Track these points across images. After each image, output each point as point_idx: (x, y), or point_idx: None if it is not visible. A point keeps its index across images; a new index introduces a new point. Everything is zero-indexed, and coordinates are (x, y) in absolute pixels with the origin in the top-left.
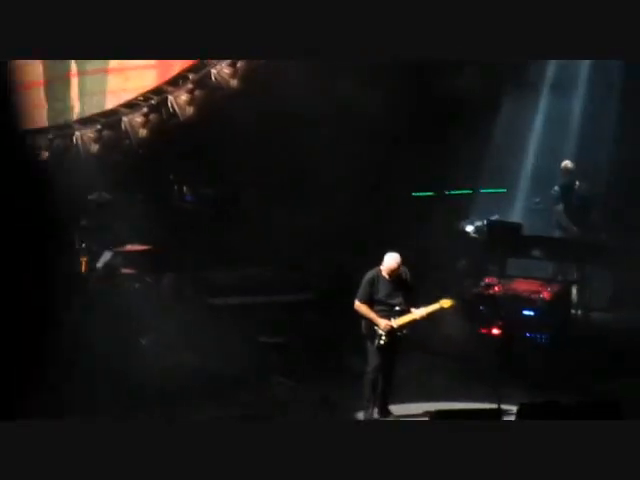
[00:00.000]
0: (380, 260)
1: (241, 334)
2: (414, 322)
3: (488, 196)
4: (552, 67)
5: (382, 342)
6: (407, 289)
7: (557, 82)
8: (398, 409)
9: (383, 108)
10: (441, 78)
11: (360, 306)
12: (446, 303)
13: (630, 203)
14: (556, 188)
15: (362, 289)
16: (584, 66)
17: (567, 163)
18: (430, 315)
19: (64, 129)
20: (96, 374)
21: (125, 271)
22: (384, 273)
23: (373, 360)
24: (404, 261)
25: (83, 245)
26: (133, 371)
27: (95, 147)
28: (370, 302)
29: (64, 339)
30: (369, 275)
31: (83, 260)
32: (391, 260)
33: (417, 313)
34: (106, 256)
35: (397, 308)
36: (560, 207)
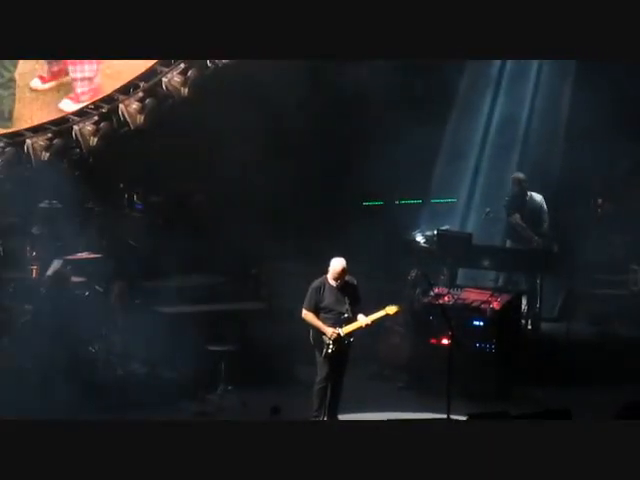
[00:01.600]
0: (327, 269)
1: (191, 343)
2: (361, 329)
3: (438, 206)
4: (498, 68)
5: (330, 351)
6: (354, 297)
7: (505, 83)
8: (347, 419)
9: (333, 114)
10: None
11: (307, 314)
12: (391, 309)
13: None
14: (509, 199)
15: (308, 297)
16: (532, 66)
17: (518, 174)
18: (376, 321)
19: (15, 137)
20: (46, 382)
21: (75, 279)
22: (330, 280)
23: (322, 370)
24: (353, 270)
25: (33, 253)
26: (83, 379)
27: (46, 155)
28: (317, 310)
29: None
30: (315, 283)
31: (33, 268)
32: (337, 264)
33: (363, 320)
34: (56, 264)
35: (344, 316)
36: (517, 217)
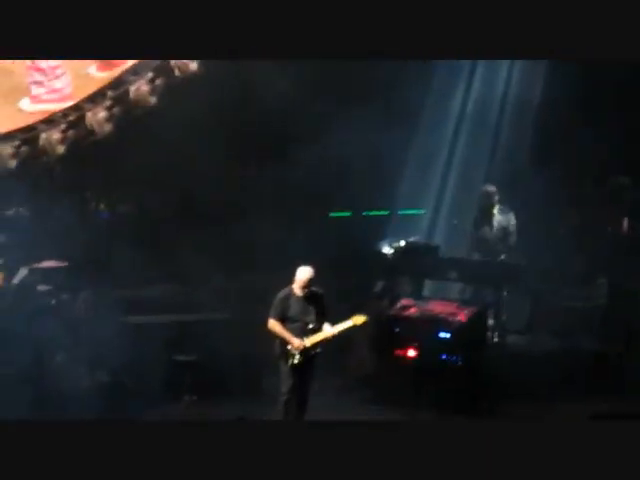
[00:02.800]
0: (292, 280)
1: (156, 352)
2: (327, 340)
3: (407, 217)
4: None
5: (295, 361)
6: (320, 307)
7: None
8: None
9: (300, 125)
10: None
11: (274, 325)
12: (359, 319)
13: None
14: (477, 212)
15: (274, 307)
16: (502, 75)
17: (488, 186)
18: (343, 332)
19: None
20: (12, 391)
21: (41, 288)
22: (296, 290)
23: (287, 381)
24: (319, 280)
25: (0, 261)
26: (48, 388)
27: (13, 163)
28: (283, 321)
29: None
30: (282, 293)
31: (0, 276)
32: (303, 273)
33: (330, 331)
34: (22, 272)
35: (310, 326)
36: (480, 231)
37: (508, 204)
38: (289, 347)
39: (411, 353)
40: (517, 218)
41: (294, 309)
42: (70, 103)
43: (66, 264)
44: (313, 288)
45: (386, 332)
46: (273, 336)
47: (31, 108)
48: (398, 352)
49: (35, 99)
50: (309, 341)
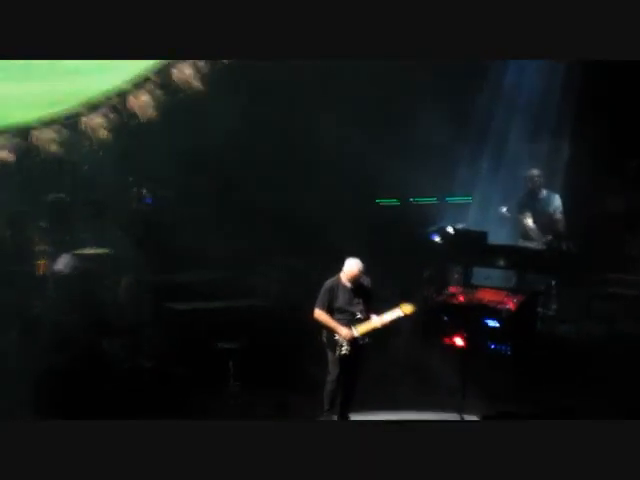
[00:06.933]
0: (340, 268)
1: (199, 339)
2: (375, 329)
3: (454, 204)
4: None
5: (344, 351)
6: (367, 297)
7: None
8: (358, 419)
9: (354, 111)
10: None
11: (320, 314)
12: (407, 309)
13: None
14: (522, 196)
15: (321, 297)
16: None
17: (533, 171)
18: (391, 322)
19: (22, 129)
20: (54, 376)
21: (83, 274)
22: (344, 280)
23: (334, 369)
24: (367, 269)
25: (42, 247)
26: (92, 373)
27: (54, 148)
28: (330, 310)
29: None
30: (328, 283)
31: (42, 262)
32: (352, 265)
33: (378, 320)
34: (65, 258)
35: (358, 316)
36: (528, 215)
37: (553, 188)
38: (337, 337)
39: (459, 342)
40: (564, 204)
41: (341, 299)
42: None
43: (108, 250)
44: (361, 276)
45: (434, 320)
46: (320, 325)
47: None
48: (446, 340)
49: None
50: (358, 331)
